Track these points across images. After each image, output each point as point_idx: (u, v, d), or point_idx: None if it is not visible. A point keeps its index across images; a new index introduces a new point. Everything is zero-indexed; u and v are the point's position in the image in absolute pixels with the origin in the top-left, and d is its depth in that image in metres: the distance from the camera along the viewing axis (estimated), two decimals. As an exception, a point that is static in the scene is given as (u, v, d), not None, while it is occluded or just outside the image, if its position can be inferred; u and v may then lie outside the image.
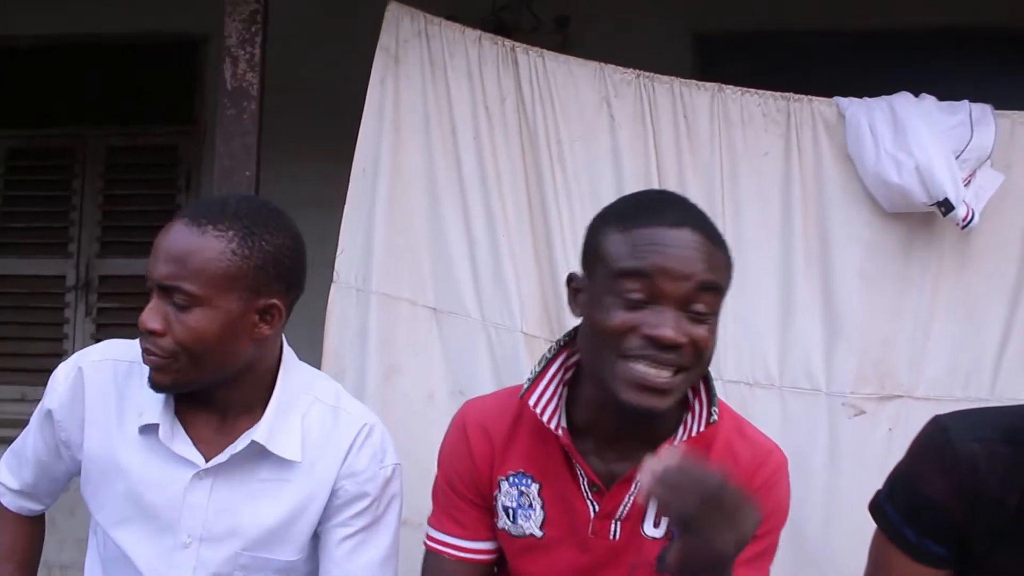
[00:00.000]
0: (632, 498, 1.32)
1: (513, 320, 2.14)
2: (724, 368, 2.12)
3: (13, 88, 3.83)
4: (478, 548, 1.43)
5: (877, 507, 1.35)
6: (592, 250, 1.31)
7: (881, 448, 2.09)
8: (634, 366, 1.22)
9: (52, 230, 3.77)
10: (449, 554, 1.43)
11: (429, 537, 1.46)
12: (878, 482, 2.05)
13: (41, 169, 3.81)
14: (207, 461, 1.40)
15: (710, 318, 1.24)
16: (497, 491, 1.39)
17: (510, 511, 1.38)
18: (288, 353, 1.48)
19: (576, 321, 1.38)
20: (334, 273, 2.20)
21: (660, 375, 1.21)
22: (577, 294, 1.33)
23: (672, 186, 2.16)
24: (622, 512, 1.33)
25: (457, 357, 2.16)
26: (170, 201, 3.71)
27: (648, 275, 1.22)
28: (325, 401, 1.46)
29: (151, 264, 1.33)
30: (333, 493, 1.43)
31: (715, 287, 1.25)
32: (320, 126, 3.10)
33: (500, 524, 1.40)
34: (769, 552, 1.36)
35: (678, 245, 1.23)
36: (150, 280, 1.33)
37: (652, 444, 1.26)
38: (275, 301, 1.37)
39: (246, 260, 1.33)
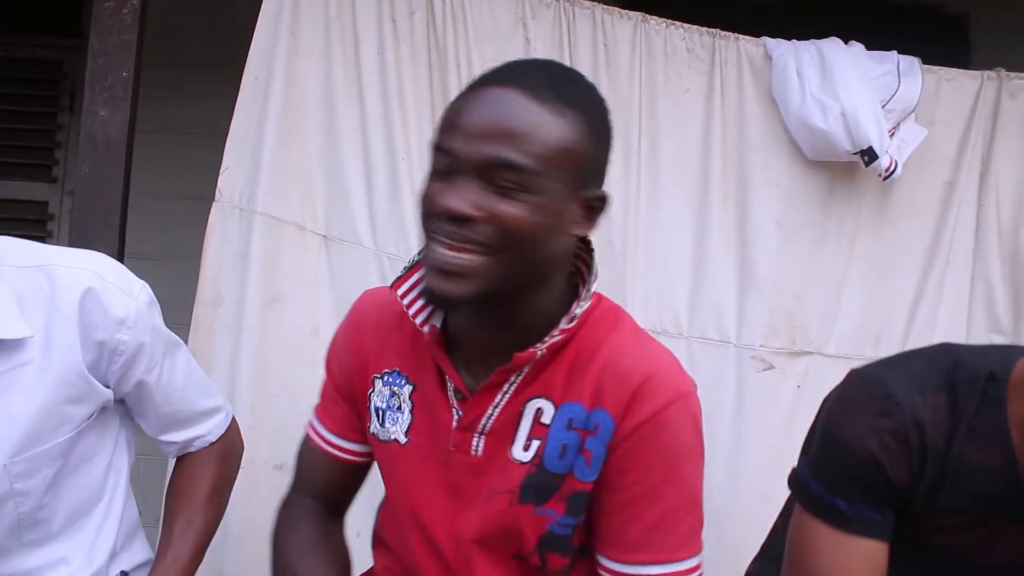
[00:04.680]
0: (497, 410, 1.15)
1: (409, 251, 1.98)
2: (630, 314, 2.00)
3: None
4: (346, 447, 1.30)
5: (797, 481, 1.21)
6: None
7: (788, 404, 2.01)
8: (434, 247, 1.05)
9: (-85, 145, 3.44)
10: (316, 443, 1.31)
11: (309, 424, 1.34)
12: (783, 439, 2.00)
13: (-94, 77, 3.47)
14: None
15: (522, 194, 1.02)
16: (371, 390, 1.23)
17: (380, 412, 1.22)
18: None
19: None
20: (216, 191, 2.01)
21: (457, 257, 1.03)
22: None
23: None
24: (485, 425, 1.15)
25: (347, 288, 1.99)
26: (51, 120, 3.43)
27: (447, 140, 1.05)
28: (26, 264, 1.25)
29: None
30: (113, 351, 1.25)
31: (526, 160, 1.02)
32: (218, 47, 2.88)
33: (371, 428, 1.24)
34: (651, 499, 1.13)
35: (489, 106, 1.04)
36: None
37: (520, 348, 1.11)
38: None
39: None
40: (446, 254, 1.04)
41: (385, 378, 1.22)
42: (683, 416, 1.13)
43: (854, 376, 1.19)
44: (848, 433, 1.13)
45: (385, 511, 1.32)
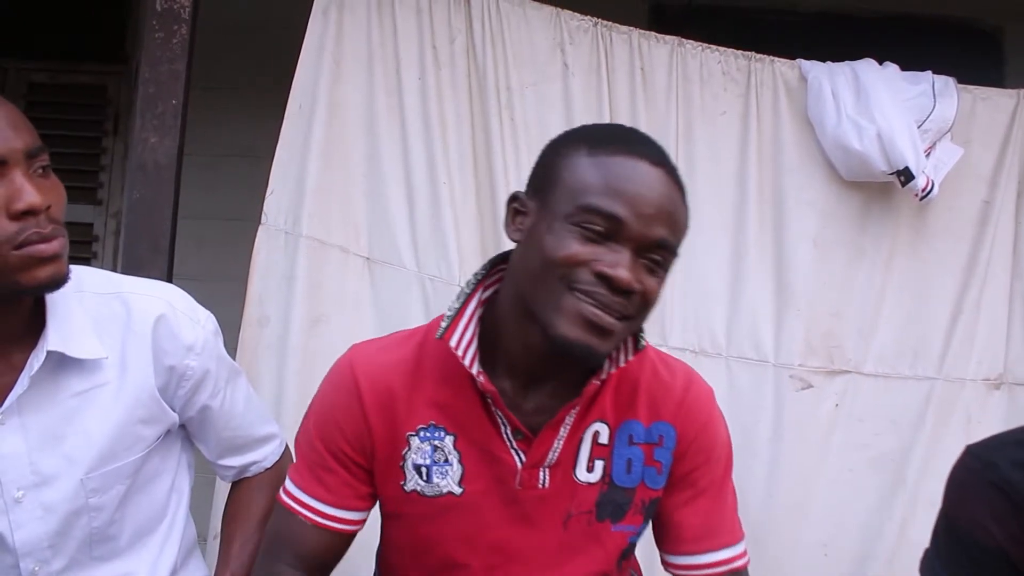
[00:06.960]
0: (561, 442, 1.21)
1: (451, 272, 2.02)
2: (670, 334, 2.03)
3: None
4: (341, 517, 1.27)
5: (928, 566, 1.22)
6: (549, 171, 1.15)
7: (825, 424, 2.03)
8: (582, 301, 1.09)
9: (-35, 169, 3.53)
10: (306, 516, 1.26)
11: (287, 492, 1.29)
12: (822, 457, 2.02)
13: (-44, 103, 3.57)
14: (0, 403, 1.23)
15: (662, 271, 1.13)
16: (406, 449, 1.23)
17: (423, 469, 1.22)
18: None
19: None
20: (262, 215, 2.06)
21: (609, 318, 1.09)
22: (518, 216, 1.18)
23: (625, 141, 2.06)
24: (552, 459, 1.21)
25: (389, 309, 2.03)
26: (96, 144, 3.50)
27: (611, 207, 1.09)
28: (103, 291, 1.31)
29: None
30: (181, 375, 1.32)
31: (676, 242, 1.14)
32: (256, 71, 2.94)
33: (410, 486, 1.23)
34: (713, 492, 1.27)
35: (652, 185, 1.10)
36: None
37: (576, 384, 1.19)
38: None
39: None
40: (598, 313, 1.09)
41: (421, 434, 1.22)
42: (719, 410, 1.29)
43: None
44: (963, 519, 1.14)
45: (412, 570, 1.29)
